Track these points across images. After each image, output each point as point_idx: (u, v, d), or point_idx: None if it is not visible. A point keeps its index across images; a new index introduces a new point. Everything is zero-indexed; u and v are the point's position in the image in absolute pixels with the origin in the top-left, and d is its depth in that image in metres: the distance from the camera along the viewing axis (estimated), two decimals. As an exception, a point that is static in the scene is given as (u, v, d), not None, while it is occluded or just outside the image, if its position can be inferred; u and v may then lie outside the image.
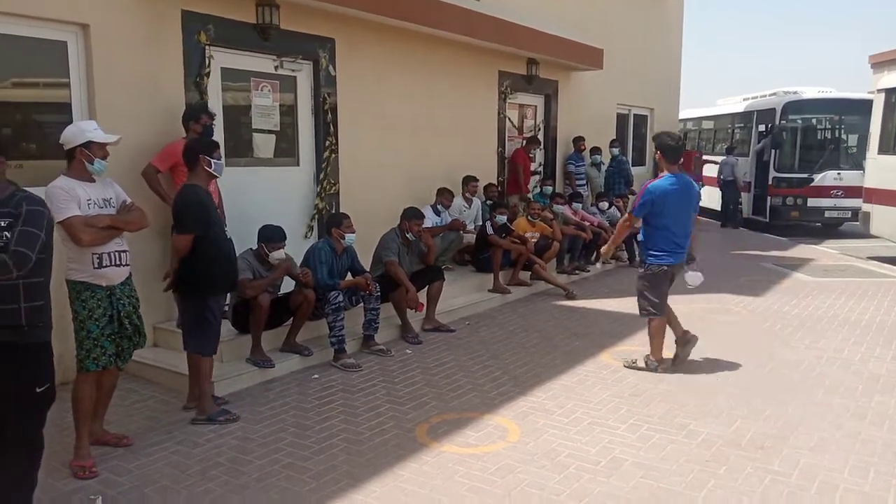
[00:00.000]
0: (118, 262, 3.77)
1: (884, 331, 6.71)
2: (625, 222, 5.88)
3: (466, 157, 9.01)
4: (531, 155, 9.94)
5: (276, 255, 5.24)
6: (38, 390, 2.90)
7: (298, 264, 5.61)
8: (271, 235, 5.27)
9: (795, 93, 15.74)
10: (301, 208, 6.97)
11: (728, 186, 15.53)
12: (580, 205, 9.86)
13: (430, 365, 5.60)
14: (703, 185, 15.65)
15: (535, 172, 9.86)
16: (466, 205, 8.69)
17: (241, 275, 4.94)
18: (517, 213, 8.90)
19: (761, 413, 4.64)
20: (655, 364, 5.50)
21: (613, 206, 10.57)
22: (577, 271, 9.35)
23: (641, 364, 5.54)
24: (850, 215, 14.30)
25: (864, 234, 12.83)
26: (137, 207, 3.98)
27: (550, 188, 10.33)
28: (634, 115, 13.83)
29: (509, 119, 10.09)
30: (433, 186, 8.23)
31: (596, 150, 11.64)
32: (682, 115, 20.96)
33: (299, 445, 4.09)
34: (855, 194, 13.44)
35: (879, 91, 11.96)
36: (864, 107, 12.83)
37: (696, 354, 5.80)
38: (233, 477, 3.70)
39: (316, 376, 5.29)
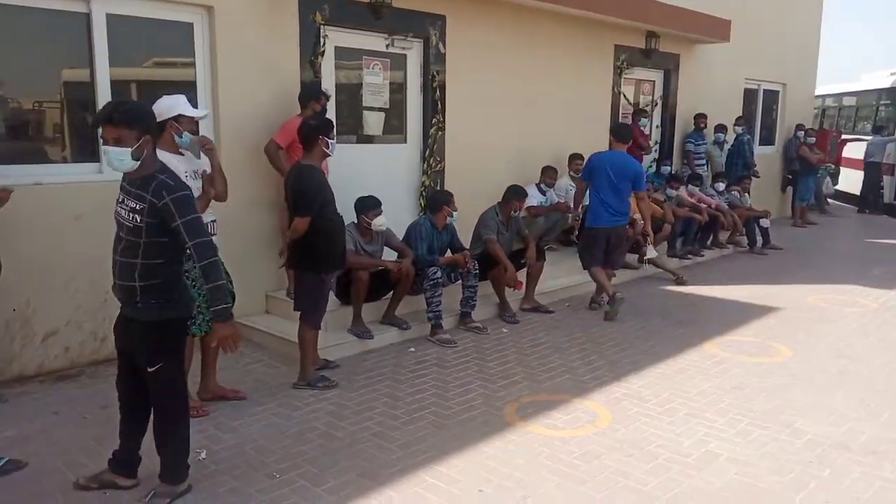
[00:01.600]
0: (213, 232, 3.91)
1: None
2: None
3: (576, 134, 8.82)
4: (642, 128, 9.53)
5: (378, 221, 5.36)
6: (149, 370, 3.09)
7: (400, 239, 5.75)
8: (367, 204, 5.40)
9: (954, 66, 14.19)
10: (408, 185, 7.11)
11: (871, 169, 14.31)
12: (697, 186, 9.41)
13: (525, 345, 5.59)
14: (833, 170, 14.54)
15: (642, 149, 9.43)
16: (573, 184, 8.52)
17: (345, 248, 5.16)
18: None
19: (879, 416, 4.31)
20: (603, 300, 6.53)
21: (735, 189, 10.02)
22: (689, 256, 8.97)
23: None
24: None
25: None
26: (221, 177, 4.17)
27: (669, 167, 9.96)
28: (764, 90, 12.96)
29: (624, 95, 9.75)
30: (540, 165, 8.14)
31: (720, 128, 11.05)
32: (819, 91, 19.49)
33: (390, 415, 4.22)
34: None
35: None
36: None
37: (814, 347, 5.46)
38: (326, 441, 3.88)
39: (412, 349, 5.42)
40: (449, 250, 5.96)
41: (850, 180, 15.32)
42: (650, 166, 10.01)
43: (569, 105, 8.74)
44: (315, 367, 4.72)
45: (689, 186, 9.37)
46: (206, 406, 4.22)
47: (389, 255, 5.72)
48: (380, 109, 6.84)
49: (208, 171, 4.13)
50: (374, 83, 6.72)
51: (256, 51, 5.72)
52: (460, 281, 5.93)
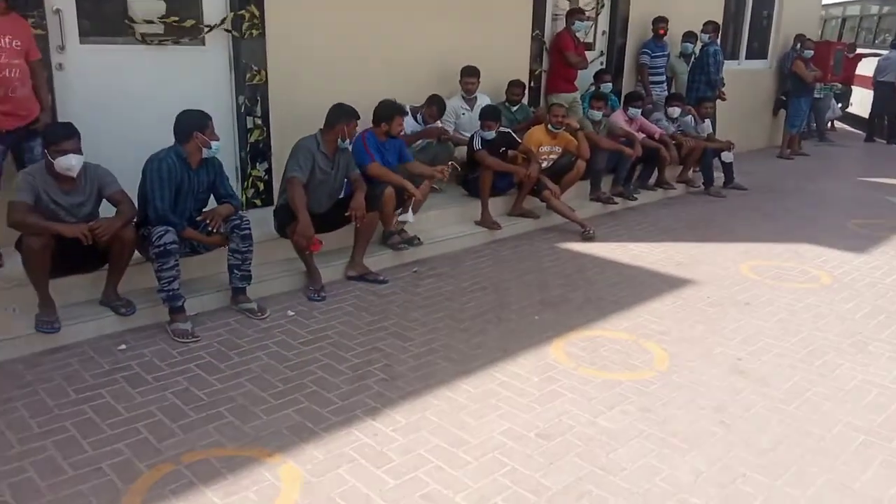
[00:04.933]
0: None
1: None
2: None
3: (478, 43, 6.84)
4: (576, 34, 7.51)
5: (64, 162, 3.63)
6: None
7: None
8: (56, 134, 3.67)
9: None
10: (212, 106, 5.27)
11: (882, 89, 12.08)
12: (638, 110, 7.46)
13: (295, 339, 3.96)
14: (841, 90, 12.34)
15: (572, 65, 7.40)
16: (466, 106, 6.65)
17: (18, 195, 3.53)
18: (543, 120, 6.71)
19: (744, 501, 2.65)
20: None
21: (688, 114, 8.03)
22: (614, 199, 7.12)
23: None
24: None
25: None
26: None
27: (610, 85, 7.97)
28: (755, -9, 10.68)
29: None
30: (421, 81, 6.27)
31: (688, 37, 8.90)
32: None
33: None
34: None
35: None
36: None
37: (704, 356, 3.76)
38: None
39: (122, 347, 3.81)
40: (213, 197, 4.27)
41: (865, 102, 13.09)
42: (589, 87, 8.02)
43: (468, 2, 6.75)
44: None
45: (630, 110, 7.42)
46: None
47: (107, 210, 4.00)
48: (157, -3, 4.98)
49: None
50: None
51: None
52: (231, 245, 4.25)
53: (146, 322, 4.07)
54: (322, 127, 4.69)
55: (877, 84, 12.18)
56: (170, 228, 3.89)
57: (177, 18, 4.98)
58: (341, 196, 4.90)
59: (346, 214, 4.64)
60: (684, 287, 4.94)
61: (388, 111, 5.12)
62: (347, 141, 4.67)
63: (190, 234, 4.08)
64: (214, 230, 4.10)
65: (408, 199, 5.10)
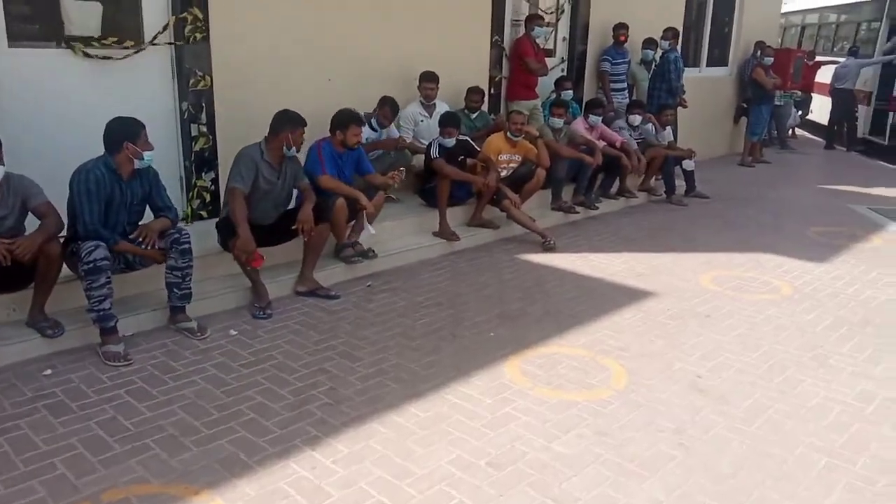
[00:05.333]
0: None
1: None
2: None
3: (436, 48, 6.69)
4: (536, 40, 7.39)
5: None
6: None
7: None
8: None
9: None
10: (154, 115, 5.00)
11: (840, 96, 12.23)
12: (599, 117, 7.36)
13: (235, 361, 3.73)
14: (800, 97, 12.46)
15: (532, 71, 7.27)
16: (425, 113, 6.48)
17: None
18: (503, 128, 6.56)
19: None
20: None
21: (648, 121, 7.97)
22: (577, 209, 7.01)
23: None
24: None
25: None
26: None
27: (571, 92, 7.85)
28: (715, -2, 10.71)
29: (512, -6, 7.57)
30: (378, 87, 6.08)
31: (649, 44, 8.85)
32: (799, 5, 17.12)
33: None
34: None
35: None
36: None
37: (663, 371, 3.63)
38: None
39: (48, 372, 3.55)
40: (151, 211, 4.03)
41: (825, 110, 13.24)
42: (550, 94, 7.90)
43: (423, 8, 6.58)
44: None
45: (591, 117, 7.32)
46: None
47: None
48: (92, -1, 4.73)
49: None
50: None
51: None
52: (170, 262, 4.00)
53: (76, 344, 3.81)
54: (267, 135, 4.48)
55: (835, 91, 12.34)
56: (100, 243, 3.64)
57: (115, 39, 4.71)
58: (291, 207, 4.69)
59: (293, 227, 4.43)
60: (645, 299, 4.82)
61: (343, 120, 4.93)
62: (293, 149, 4.46)
63: (124, 248, 3.83)
64: (148, 247, 3.85)
65: (360, 209, 4.91)
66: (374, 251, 5.19)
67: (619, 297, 4.86)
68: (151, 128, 3.99)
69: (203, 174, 5.25)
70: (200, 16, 5.02)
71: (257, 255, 4.21)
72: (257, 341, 3.98)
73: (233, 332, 4.08)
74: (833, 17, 15.56)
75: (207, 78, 5.16)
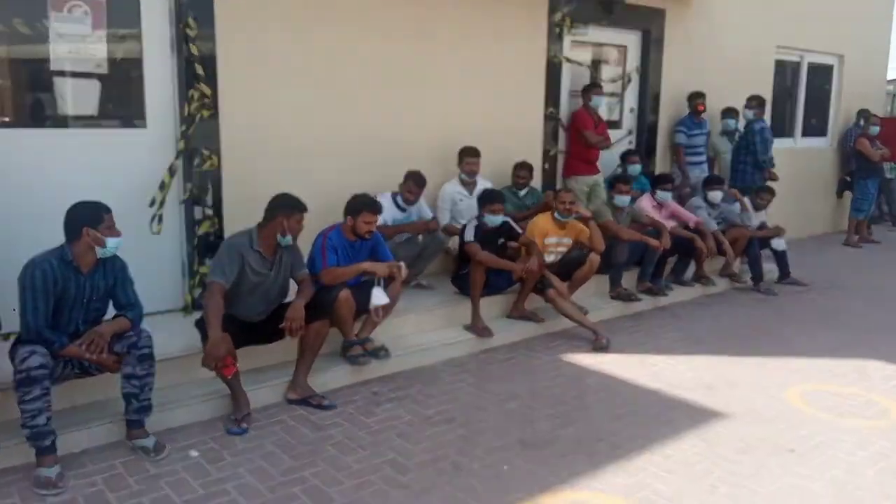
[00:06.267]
0: None
1: None
2: None
3: (482, 124, 6.10)
4: (596, 111, 6.70)
5: None
6: None
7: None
8: None
9: None
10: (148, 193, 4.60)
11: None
12: (668, 193, 6.51)
13: (181, 495, 3.05)
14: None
15: (592, 144, 6.54)
16: (464, 192, 5.84)
17: None
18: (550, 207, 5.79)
19: None
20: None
21: (734, 199, 7.01)
22: (638, 297, 6.06)
23: None
24: None
25: None
26: None
27: (638, 167, 7.06)
28: (809, 64, 9.70)
29: (574, 61, 6.92)
30: (409, 165, 5.50)
31: (729, 113, 7.98)
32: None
33: None
34: None
35: None
36: None
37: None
38: None
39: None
40: (114, 307, 3.52)
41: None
42: (616, 169, 7.13)
43: (472, 80, 6.05)
44: None
45: (659, 193, 6.48)
46: None
47: None
48: (90, 75, 4.42)
49: None
50: (74, 33, 4.30)
51: None
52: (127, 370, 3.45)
53: (14, 462, 3.27)
54: (260, 221, 3.94)
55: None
56: (38, 349, 3.12)
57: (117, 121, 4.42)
58: (289, 300, 4.09)
59: (281, 326, 3.81)
60: (711, 423, 3.86)
61: (356, 206, 4.38)
62: (288, 237, 3.90)
63: (71, 353, 3.30)
64: (95, 356, 3.30)
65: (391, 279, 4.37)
66: (386, 349, 4.49)
67: (678, 418, 3.91)
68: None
69: (206, 260, 4.75)
70: (208, 92, 4.64)
71: (229, 362, 3.60)
72: (217, 467, 3.31)
73: (193, 454, 3.43)
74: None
75: (215, 158, 4.75)
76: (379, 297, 4.36)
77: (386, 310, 4.47)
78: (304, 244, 4.28)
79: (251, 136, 4.87)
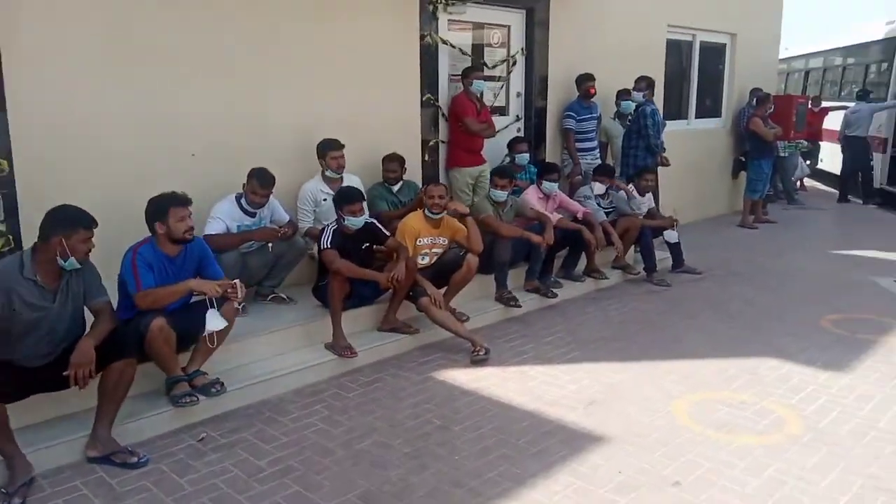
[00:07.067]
0: None
1: None
2: None
3: (349, 113, 5.46)
4: (478, 96, 6.17)
5: None
6: None
7: None
8: None
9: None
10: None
11: (853, 145, 10.89)
12: (555, 184, 6.04)
13: None
14: (807, 147, 11.09)
15: (475, 132, 6.02)
16: (328, 190, 5.16)
17: None
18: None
19: None
20: None
21: (617, 188, 6.63)
22: (518, 303, 5.52)
23: None
24: None
25: None
26: None
27: (526, 155, 6.58)
28: (702, 43, 9.47)
29: (450, 44, 6.34)
30: (255, 165, 4.79)
31: (623, 95, 7.60)
32: (800, 50, 15.99)
33: None
34: None
35: None
36: None
37: None
38: None
39: None
40: None
41: (836, 158, 11.89)
42: (504, 158, 6.62)
43: (324, 60, 5.37)
44: None
45: (545, 184, 6.01)
46: None
47: None
48: None
49: None
50: None
51: None
52: None
53: None
54: (35, 242, 3.18)
55: (846, 139, 11.02)
56: None
57: None
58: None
59: (65, 374, 3.08)
60: (588, 451, 3.38)
61: (159, 207, 3.64)
62: (70, 259, 3.16)
63: None
64: None
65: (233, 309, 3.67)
66: (221, 383, 3.79)
67: (552, 447, 3.42)
68: None
69: (-1, 286, 3.94)
70: (-9, 82, 3.81)
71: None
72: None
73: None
74: (839, 61, 14.33)
75: (4, 163, 3.92)
76: (214, 321, 3.68)
77: (221, 336, 3.80)
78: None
79: (50, 134, 4.05)
